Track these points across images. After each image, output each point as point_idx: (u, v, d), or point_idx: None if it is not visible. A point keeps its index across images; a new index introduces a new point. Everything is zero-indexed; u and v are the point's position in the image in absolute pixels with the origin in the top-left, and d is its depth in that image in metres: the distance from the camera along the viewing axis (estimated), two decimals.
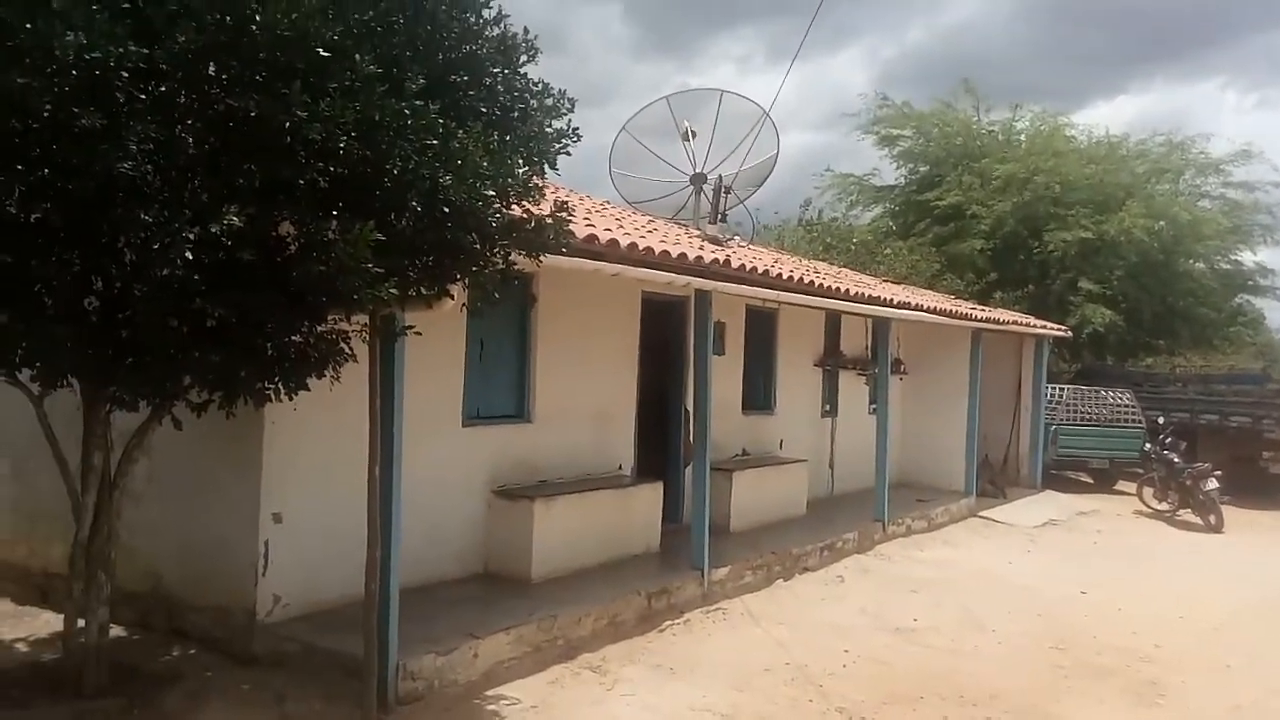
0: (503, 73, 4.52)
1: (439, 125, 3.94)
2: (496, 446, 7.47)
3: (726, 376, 10.21)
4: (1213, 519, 13.23)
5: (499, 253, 4.44)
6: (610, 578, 7.46)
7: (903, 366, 14.12)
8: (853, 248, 19.50)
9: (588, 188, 11.11)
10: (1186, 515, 13.73)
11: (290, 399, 4.37)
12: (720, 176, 10.48)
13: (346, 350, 4.51)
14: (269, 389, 4.22)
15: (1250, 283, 22.62)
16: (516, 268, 4.60)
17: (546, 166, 4.66)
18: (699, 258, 6.90)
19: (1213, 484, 13.29)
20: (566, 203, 4.67)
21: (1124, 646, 7.37)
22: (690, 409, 8.74)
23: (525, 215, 4.46)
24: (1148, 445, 15.20)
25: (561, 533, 7.41)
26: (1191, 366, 23.59)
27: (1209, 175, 22.32)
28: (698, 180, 11.10)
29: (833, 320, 12.45)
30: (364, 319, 4.69)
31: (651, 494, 8.55)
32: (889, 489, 11.20)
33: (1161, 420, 15.50)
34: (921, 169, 23.10)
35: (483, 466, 7.35)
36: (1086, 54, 56.70)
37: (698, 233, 10.09)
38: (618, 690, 5.77)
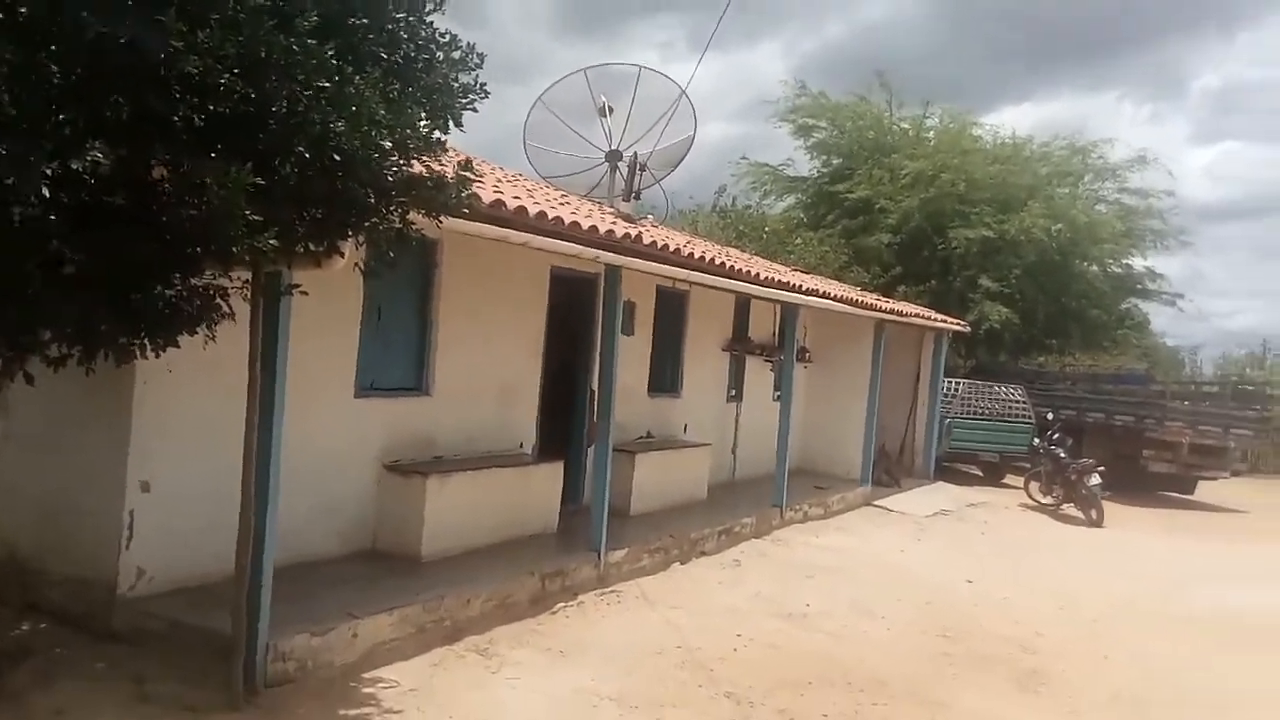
0: (407, 19, 4.24)
1: (333, 67, 3.66)
2: (391, 419, 7.16)
3: (634, 358, 10.08)
4: (1094, 513, 13.74)
5: (396, 210, 4.16)
6: (504, 558, 7.25)
7: (808, 355, 14.23)
8: (764, 236, 19.59)
9: (506, 164, 10.81)
10: (1070, 509, 14.24)
11: (158, 356, 4.03)
12: (636, 154, 10.31)
13: (224, 307, 4.19)
14: (134, 345, 3.87)
15: (1139, 286, 23.58)
16: (416, 228, 4.33)
17: (451, 123, 4.39)
18: (610, 231, 6.72)
19: (1096, 480, 13.80)
20: (471, 161, 4.42)
21: (1007, 635, 7.53)
22: (596, 389, 8.58)
23: (426, 172, 4.20)
24: (1036, 440, 15.72)
25: (455, 511, 7.16)
26: (1080, 366, 24.58)
27: (1106, 180, 23.16)
28: (613, 158, 10.90)
29: (742, 305, 12.44)
30: (247, 275, 4.39)
31: (552, 474, 8.36)
32: (789, 476, 11.28)
33: (1050, 417, 16.04)
34: (834, 161, 23.33)
35: (375, 439, 7.03)
36: (998, 58, 58.49)
37: (611, 210, 9.90)
38: (503, 673, 5.59)
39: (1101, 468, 14.05)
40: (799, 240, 19.64)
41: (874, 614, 7.86)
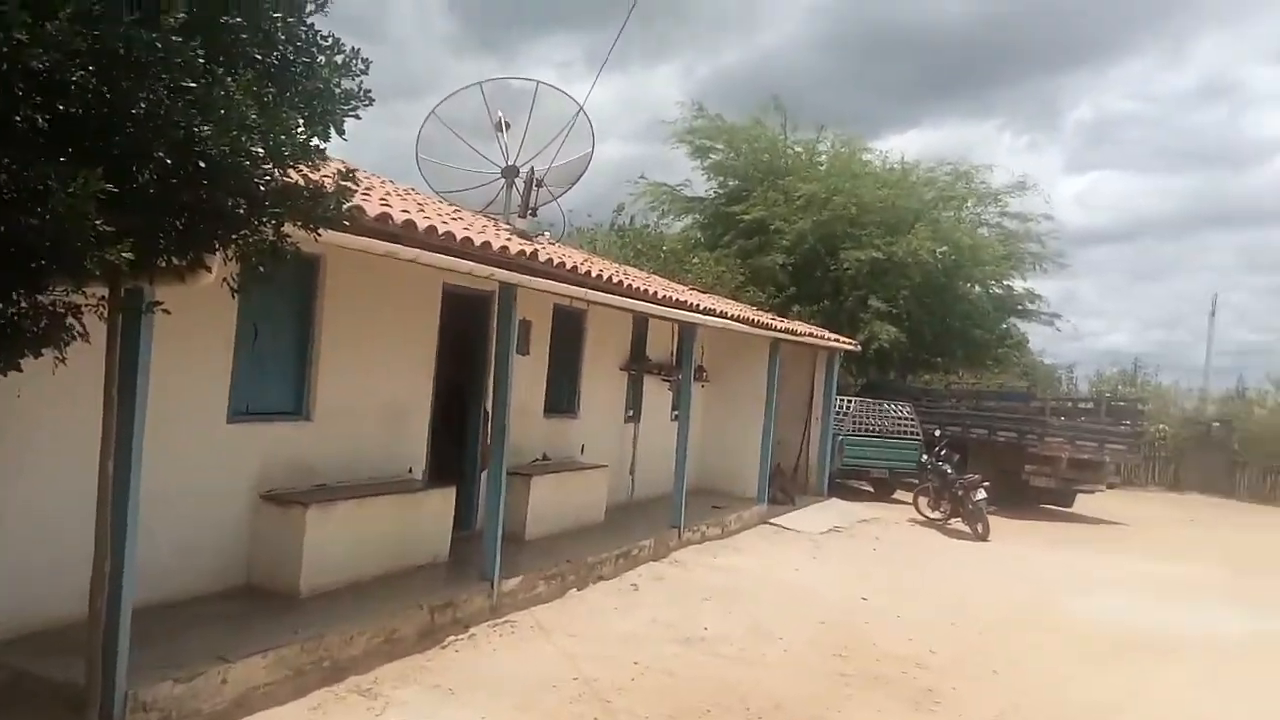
0: (285, 20, 3.95)
1: (200, 66, 3.36)
2: (268, 445, 6.74)
3: (530, 377, 9.85)
4: (980, 527, 14.09)
5: (269, 222, 3.86)
6: (391, 591, 6.90)
7: (705, 374, 14.24)
8: (662, 255, 19.59)
9: (403, 181, 10.49)
10: (957, 524, 14.58)
11: None
12: (533, 170, 10.10)
13: (77, 326, 3.79)
14: None
15: (1020, 307, 24.51)
16: (291, 241, 4.03)
17: (333, 131, 4.11)
18: (504, 248, 6.49)
19: (981, 494, 14.16)
20: (353, 171, 4.15)
21: (901, 654, 7.57)
22: (489, 410, 8.30)
23: (302, 181, 3.91)
24: (924, 457, 16.08)
25: (338, 542, 6.78)
26: (965, 384, 25.39)
27: (988, 204, 24.00)
28: (509, 173, 10.67)
29: (640, 325, 12.34)
30: (103, 291, 4.00)
31: (442, 500, 8.03)
32: (688, 496, 11.20)
33: (937, 434, 16.42)
34: (731, 183, 23.56)
35: (250, 468, 6.60)
36: (887, 86, 60.47)
37: (507, 227, 9.67)
38: (388, 714, 5.28)
39: (986, 483, 14.44)
40: (696, 260, 19.71)
41: (771, 635, 7.80)
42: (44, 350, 3.56)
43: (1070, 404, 22.49)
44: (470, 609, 7.19)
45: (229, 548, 6.46)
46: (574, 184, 10.79)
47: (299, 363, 7.04)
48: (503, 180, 10.54)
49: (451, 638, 6.79)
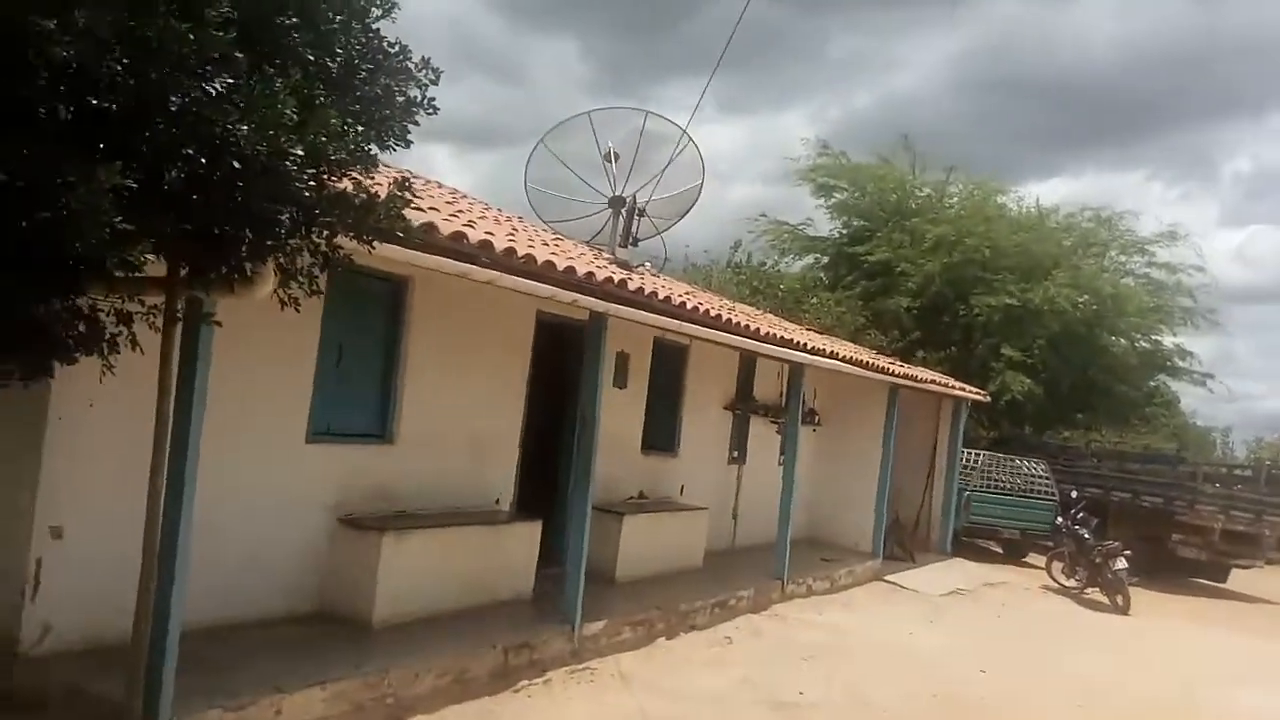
0: (347, 23, 3.77)
1: (242, 63, 3.19)
2: (348, 468, 6.60)
3: (627, 412, 9.53)
4: (1120, 599, 12.91)
5: (319, 231, 3.66)
6: (466, 627, 6.62)
7: (817, 417, 13.61)
8: (779, 294, 19.08)
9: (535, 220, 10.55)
10: (1094, 593, 13.41)
11: (26, 387, 3.51)
12: (634, 197, 9.87)
13: (123, 334, 3.67)
14: None
15: (1169, 364, 22.76)
16: (343, 253, 3.82)
17: (393, 140, 3.91)
18: (589, 274, 6.20)
19: (1122, 563, 12.98)
20: (408, 180, 3.92)
21: None
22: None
23: (355, 190, 3.70)
24: (1059, 519, 14.91)
25: (415, 572, 6.56)
26: (1107, 443, 23.68)
27: (1134, 254, 22.52)
28: (616, 203, 10.48)
29: (747, 363, 11.87)
30: (156, 300, 3.89)
31: (528, 533, 7.74)
32: (794, 546, 10.59)
33: (1074, 494, 15.25)
34: (855, 223, 22.90)
35: (329, 490, 6.46)
36: (1025, 134, 58.29)
37: (608, 256, 9.44)
38: None
39: (1128, 551, 13.22)
40: (815, 300, 19.11)
41: (873, 705, 7.14)
42: (79, 356, 3.43)
43: (1225, 470, 20.60)
44: (548, 652, 6.84)
45: (303, 571, 6.32)
46: (683, 216, 10.54)
47: (384, 385, 6.91)
48: (609, 211, 10.34)
49: (525, 681, 6.44)
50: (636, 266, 9.37)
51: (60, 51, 2.84)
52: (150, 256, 3.05)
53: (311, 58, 3.57)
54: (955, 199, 22.76)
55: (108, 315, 3.66)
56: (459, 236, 5.08)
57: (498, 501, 8.03)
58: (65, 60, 2.87)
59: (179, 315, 3.96)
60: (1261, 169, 72.87)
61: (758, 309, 14.62)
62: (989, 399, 16.80)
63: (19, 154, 2.87)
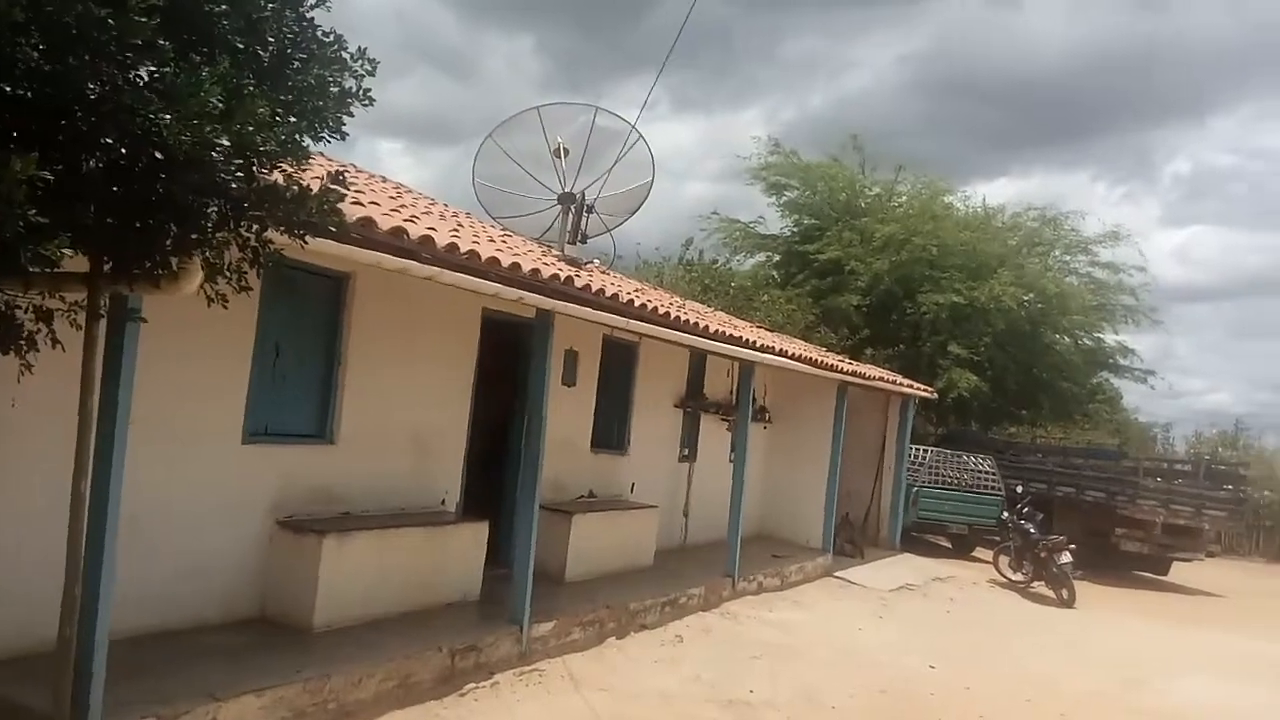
0: (280, 11, 3.65)
1: (165, 49, 3.06)
2: (287, 469, 6.44)
3: (576, 410, 9.46)
4: (1065, 593, 13.12)
5: (248, 225, 3.54)
6: (411, 630, 6.49)
7: (767, 415, 13.65)
8: (730, 291, 19.12)
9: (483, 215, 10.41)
10: (1040, 587, 13.62)
11: None
12: (583, 194, 9.79)
13: (40, 329, 3.51)
14: None
15: (1111, 361, 23.26)
16: (274, 247, 3.69)
17: (327, 132, 3.79)
18: (535, 271, 6.11)
19: (1067, 557, 13.20)
20: (342, 173, 3.81)
21: None
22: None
23: (285, 182, 3.58)
24: (1005, 514, 15.14)
25: (357, 574, 6.42)
26: (1051, 438, 24.12)
27: (1078, 253, 22.97)
28: (566, 200, 10.37)
29: (697, 360, 11.86)
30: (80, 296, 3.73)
31: (474, 534, 7.62)
32: (743, 542, 10.59)
33: (1020, 489, 15.50)
34: (805, 221, 23.06)
35: (267, 491, 6.29)
36: (972, 135, 59.12)
37: (557, 253, 9.34)
38: None
39: (1073, 545, 13.45)
40: (766, 298, 19.18)
41: (823, 703, 7.15)
42: None
43: (1166, 464, 21.07)
44: (496, 654, 6.75)
45: (241, 575, 6.15)
46: (633, 213, 10.46)
47: (324, 384, 6.75)
48: (559, 207, 10.24)
49: (472, 685, 6.34)
50: (586, 264, 9.28)
51: None
52: (69, 251, 2.90)
53: (241, 45, 3.44)
54: (904, 198, 23.02)
55: (25, 312, 3.51)
56: (398, 232, 4.97)
57: (444, 502, 7.91)
58: None
59: (102, 312, 3.81)
60: (1200, 171, 74.70)
61: (709, 307, 14.62)
62: (936, 396, 16.99)
63: None
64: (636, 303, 7.47)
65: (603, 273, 9.68)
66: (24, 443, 4.82)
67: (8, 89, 2.88)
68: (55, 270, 3.23)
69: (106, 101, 2.97)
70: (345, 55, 3.83)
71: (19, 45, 2.80)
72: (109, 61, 2.96)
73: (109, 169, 2.98)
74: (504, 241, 7.90)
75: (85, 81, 2.90)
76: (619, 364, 10.41)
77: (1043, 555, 13.48)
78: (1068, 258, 23.19)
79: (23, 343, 3.42)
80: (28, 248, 2.81)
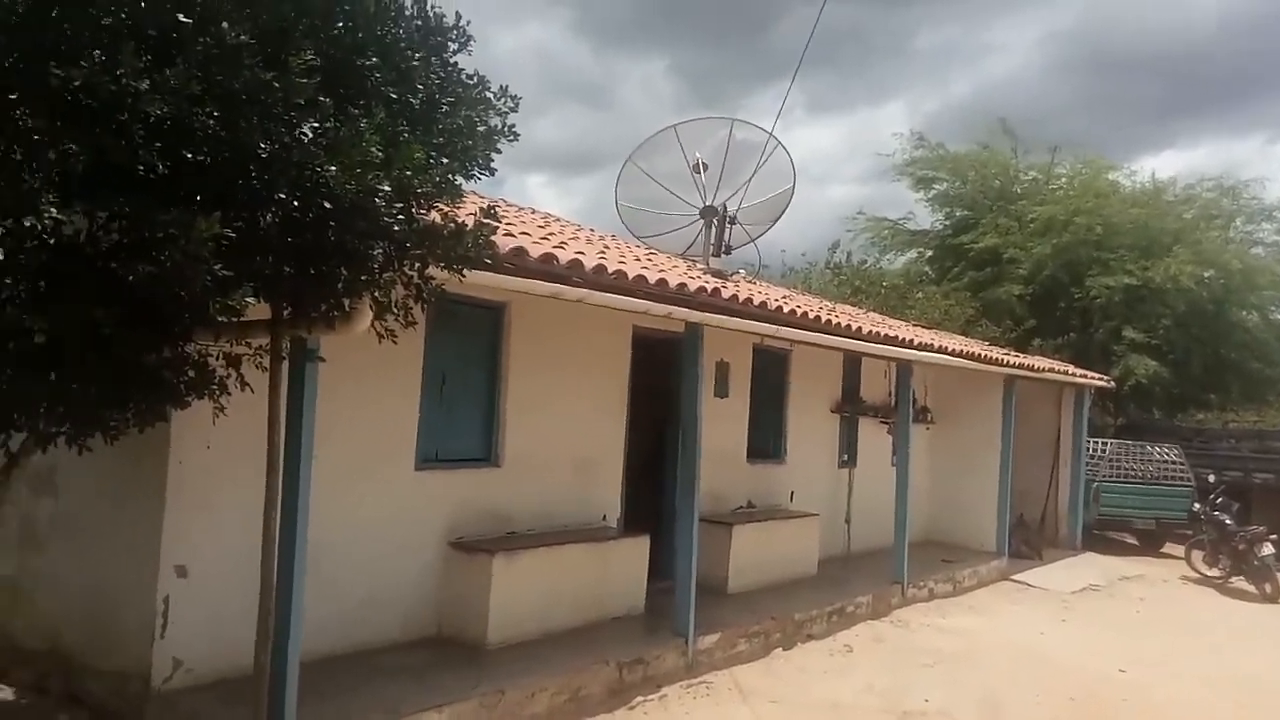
0: (426, 59, 3.85)
1: (326, 105, 3.28)
2: (458, 493, 6.72)
3: (730, 421, 9.44)
4: (1268, 588, 12.11)
5: (411, 264, 3.74)
6: (579, 644, 6.64)
7: (929, 415, 13.22)
8: (882, 291, 18.63)
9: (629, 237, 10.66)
10: (1239, 583, 12.61)
11: (141, 432, 3.68)
12: (724, 206, 9.79)
13: (231, 376, 3.82)
14: (116, 422, 3.52)
15: None
16: (435, 283, 3.89)
17: (477, 169, 3.96)
18: (681, 285, 6.16)
19: (1269, 549, 12.17)
20: (494, 208, 3.97)
21: None
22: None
23: (443, 220, 3.76)
24: (1197, 505, 14.09)
25: (526, 592, 6.62)
26: (1245, 423, 22.28)
27: (1262, 222, 21.15)
28: (708, 214, 10.40)
29: (852, 364, 11.62)
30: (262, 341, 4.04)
31: (637, 549, 7.73)
32: (911, 548, 10.28)
33: (1212, 479, 14.42)
34: (958, 213, 22.15)
35: (440, 515, 6.59)
36: (1130, 107, 55.45)
37: (702, 267, 9.38)
38: None
39: (1275, 536, 12.38)
40: (920, 295, 18.57)
41: (1005, 711, 6.85)
42: (190, 400, 3.58)
43: None
44: (663, 667, 6.80)
45: (418, 597, 6.45)
46: (775, 221, 10.36)
47: (487, 409, 7.02)
48: (701, 222, 10.27)
49: (640, 698, 6.42)
50: (731, 275, 9.28)
51: (154, 110, 2.97)
52: (252, 300, 3.14)
53: (394, 95, 3.66)
54: (1063, 179, 21.81)
55: (216, 359, 3.82)
56: (549, 258, 5.12)
57: (605, 518, 8.05)
58: (160, 118, 3.01)
59: (284, 355, 4.11)
60: None
61: (860, 309, 14.31)
62: (1113, 385, 16.04)
63: (122, 211, 3.01)
64: (785, 309, 7.41)
65: (749, 283, 9.64)
66: (220, 483, 5.22)
67: (189, 155, 3.15)
68: (240, 319, 3.51)
69: (277, 159, 3.21)
70: (489, 95, 4.01)
71: (196, 115, 3.07)
72: (276, 122, 3.20)
73: (284, 221, 3.21)
74: (649, 259, 8.01)
75: (257, 142, 3.14)
76: (771, 372, 10.33)
77: (1241, 548, 12.48)
78: (1251, 228, 21.38)
79: (215, 387, 3.73)
80: (216, 300, 3.06)
